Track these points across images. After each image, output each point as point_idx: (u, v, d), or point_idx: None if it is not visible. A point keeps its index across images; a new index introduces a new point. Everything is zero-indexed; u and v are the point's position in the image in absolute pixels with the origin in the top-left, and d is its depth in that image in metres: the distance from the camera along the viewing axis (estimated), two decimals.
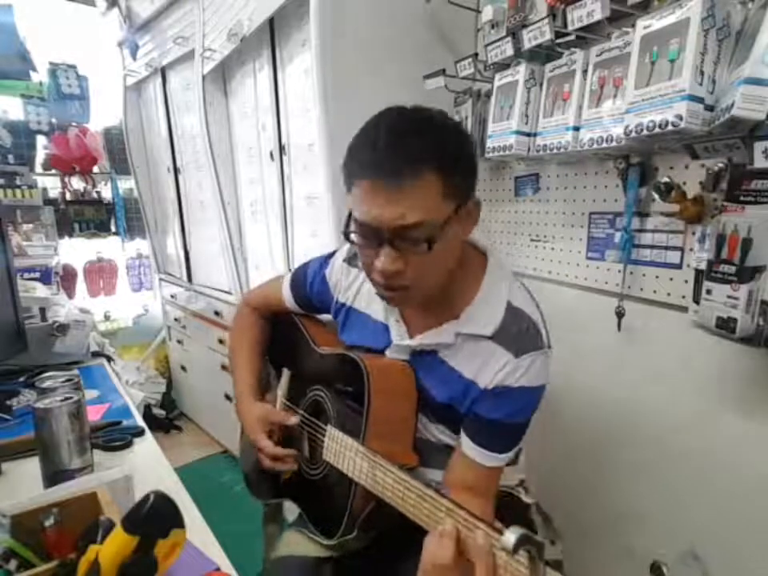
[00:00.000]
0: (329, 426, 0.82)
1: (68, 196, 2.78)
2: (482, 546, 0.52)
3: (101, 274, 2.97)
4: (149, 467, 0.92)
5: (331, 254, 0.96)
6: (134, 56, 2.46)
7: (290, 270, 1.04)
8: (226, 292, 2.26)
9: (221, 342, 2.33)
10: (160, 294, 3.03)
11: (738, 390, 0.97)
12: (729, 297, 0.81)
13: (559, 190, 1.30)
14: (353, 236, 0.71)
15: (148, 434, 1.06)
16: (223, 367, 2.35)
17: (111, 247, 2.99)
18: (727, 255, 0.82)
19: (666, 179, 0.99)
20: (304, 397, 0.92)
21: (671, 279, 1.06)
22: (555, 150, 1.11)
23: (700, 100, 0.82)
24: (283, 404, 0.95)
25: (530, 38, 1.10)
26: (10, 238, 1.50)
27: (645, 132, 0.88)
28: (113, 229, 2.95)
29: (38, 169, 2.71)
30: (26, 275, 2.13)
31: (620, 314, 1.14)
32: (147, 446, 1.02)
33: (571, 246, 1.28)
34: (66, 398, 0.80)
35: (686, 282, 1.02)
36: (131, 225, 3.03)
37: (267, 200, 1.94)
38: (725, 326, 0.82)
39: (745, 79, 0.74)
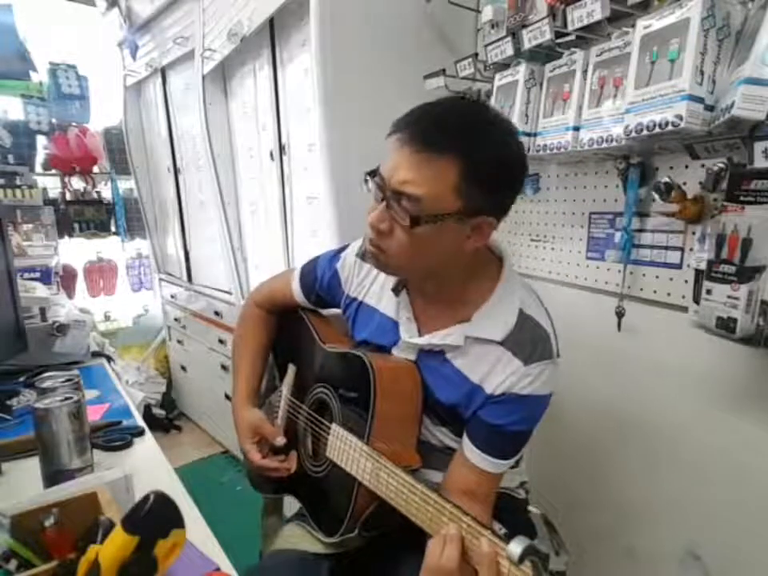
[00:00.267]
0: (333, 424, 0.82)
1: (68, 196, 2.78)
2: (486, 554, 0.52)
3: (101, 274, 2.97)
4: (149, 467, 0.92)
5: (342, 249, 0.96)
6: (133, 56, 2.46)
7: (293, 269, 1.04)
8: (226, 292, 2.26)
9: (221, 341, 2.33)
10: (160, 293, 3.03)
11: (738, 390, 0.97)
12: (729, 297, 0.81)
13: (559, 190, 1.30)
14: (370, 183, 0.72)
15: (148, 433, 1.06)
16: (223, 367, 2.35)
17: (111, 247, 2.99)
18: (727, 255, 0.82)
19: (666, 179, 0.99)
20: (309, 393, 0.92)
21: (671, 279, 1.06)
22: (555, 150, 1.11)
23: (700, 100, 0.82)
24: (288, 400, 0.95)
25: (530, 38, 1.10)
26: (10, 238, 1.49)
27: (645, 132, 0.88)
28: (113, 229, 2.96)
29: (38, 169, 2.71)
30: (26, 275, 2.12)
31: (620, 314, 1.14)
32: (147, 445, 1.02)
33: (571, 246, 1.28)
34: (66, 398, 0.80)
35: (686, 282, 1.02)
36: (131, 225, 3.03)
37: (267, 200, 1.94)
38: (725, 326, 0.82)
39: (745, 79, 0.74)
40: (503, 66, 1.23)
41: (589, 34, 1.05)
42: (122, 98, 2.74)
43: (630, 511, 1.20)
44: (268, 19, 1.58)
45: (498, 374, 0.75)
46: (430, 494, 0.62)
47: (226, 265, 2.17)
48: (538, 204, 1.36)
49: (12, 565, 0.58)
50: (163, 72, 2.42)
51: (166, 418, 2.81)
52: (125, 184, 2.97)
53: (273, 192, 1.86)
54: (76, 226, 2.80)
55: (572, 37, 1.07)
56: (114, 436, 1.02)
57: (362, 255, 0.91)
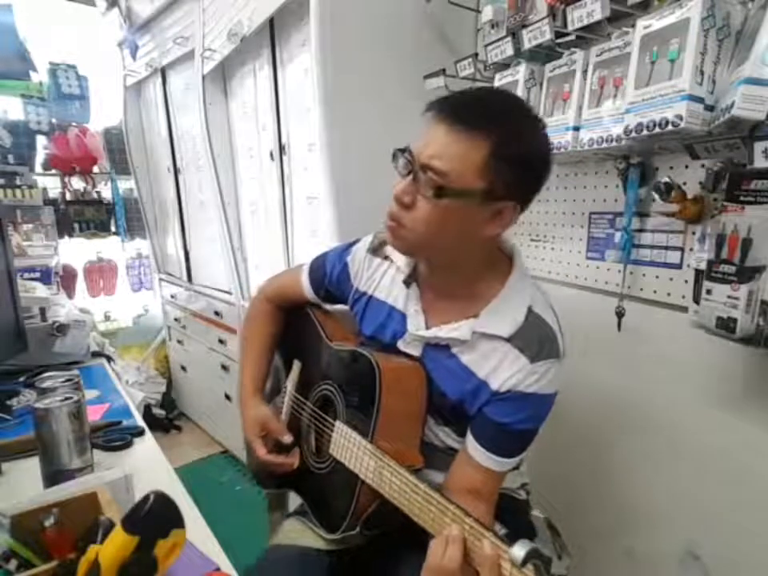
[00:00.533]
0: (337, 421, 0.82)
1: (68, 196, 2.78)
2: (488, 556, 0.52)
3: (101, 274, 2.97)
4: (149, 467, 0.92)
5: (352, 243, 0.97)
6: (133, 56, 2.46)
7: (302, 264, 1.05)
8: (226, 292, 2.26)
9: (221, 341, 2.33)
10: (160, 293, 3.03)
11: (737, 390, 0.97)
12: (729, 297, 0.81)
13: (559, 190, 1.30)
14: (400, 159, 0.73)
15: (148, 433, 1.06)
16: (223, 367, 2.35)
17: (111, 247, 2.99)
18: (727, 255, 0.82)
19: (666, 179, 0.99)
20: (313, 390, 0.92)
21: (671, 279, 1.06)
22: (555, 150, 1.11)
23: (700, 100, 0.82)
24: (292, 396, 0.95)
25: (530, 38, 1.10)
26: (10, 238, 1.49)
27: (645, 132, 0.88)
28: (113, 229, 2.96)
29: (38, 169, 2.71)
30: (26, 275, 2.12)
31: (620, 314, 1.14)
32: (147, 445, 1.02)
33: (571, 246, 1.28)
34: (66, 398, 0.80)
35: (686, 282, 1.02)
36: (131, 225, 3.03)
37: (267, 200, 1.94)
38: (725, 326, 0.82)
39: (745, 79, 0.74)
40: (503, 66, 1.23)
41: (589, 34, 1.05)
42: (122, 98, 2.74)
43: (629, 511, 1.20)
44: (268, 19, 1.58)
45: (504, 370, 0.75)
46: (433, 494, 0.62)
47: (226, 265, 2.17)
48: (538, 204, 1.35)
49: (12, 565, 0.58)
50: (163, 72, 2.42)
51: (166, 417, 2.81)
52: (125, 184, 2.97)
53: (273, 192, 1.86)
54: (76, 226, 2.80)
55: (572, 37, 1.07)
56: (114, 436, 1.02)
57: (372, 250, 0.92)
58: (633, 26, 0.93)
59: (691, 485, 1.07)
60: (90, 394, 1.21)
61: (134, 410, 1.18)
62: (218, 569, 0.67)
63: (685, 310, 1.01)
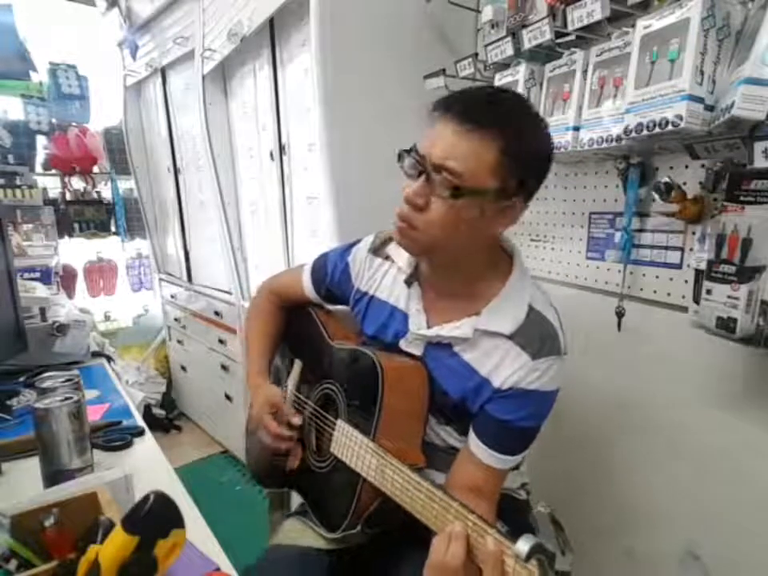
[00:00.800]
0: (339, 420, 0.82)
1: (68, 196, 2.78)
2: (492, 553, 0.52)
3: (101, 274, 2.97)
4: (149, 467, 0.92)
5: (353, 244, 0.97)
6: (133, 56, 2.46)
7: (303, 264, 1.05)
8: (226, 292, 2.26)
9: (221, 341, 2.33)
10: (160, 293, 3.03)
11: (737, 390, 0.97)
12: (729, 297, 0.81)
13: (559, 190, 1.30)
14: (406, 159, 0.72)
15: (148, 433, 1.06)
16: (223, 367, 2.35)
17: (111, 247, 2.99)
18: (727, 255, 0.82)
19: (666, 179, 0.99)
20: (315, 389, 0.92)
21: (671, 279, 1.06)
22: (555, 150, 1.11)
23: (700, 100, 0.82)
24: (293, 395, 0.95)
25: (530, 38, 1.10)
26: (10, 238, 1.49)
27: (645, 132, 0.88)
28: (113, 229, 2.96)
29: (38, 169, 2.71)
30: (26, 275, 2.12)
31: (620, 314, 1.14)
32: (147, 445, 1.02)
33: (571, 246, 1.28)
34: (66, 398, 0.80)
35: (686, 282, 1.02)
36: (131, 225, 3.03)
37: (267, 200, 1.94)
38: (725, 326, 0.82)
39: (745, 79, 0.74)
40: (503, 66, 1.24)
41: (589, 34, 1.05)
42: (122, 98, 2.74)
43: (629, 511, 1.20)
44: (268, 19, 1.58)
45: (505, 367, 0.76)
46: (436, 491, 0.62)
47: (226, 265, 2.17)
48: (538, 204, 1.35)
49: (12, 565, 0.58)
50: (163, 72, 2.42)
51: (166, 417, 2.81)
52: (125, 184, 2.97)
53: (273, 192, 1.86)
54: (76, 226, 2.80)
55: (572, 37, 1.07)
56: (114, 436, 1.01)
57: (373, 250, 0.92)
58: (633, 25, 0.93)
59: (691, 485, 1.07)
60: (90, 393, 1.21)
61: (134, 410, 1.18)
62: (217, 569, 0.67)
63: (685, 310, 1.01)
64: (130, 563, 0.52)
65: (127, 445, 1.00)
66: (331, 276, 0.97)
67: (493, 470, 0.77)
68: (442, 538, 0.57)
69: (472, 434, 0.79)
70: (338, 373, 0.88)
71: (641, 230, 1.11)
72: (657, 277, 1.09)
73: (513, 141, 0.68)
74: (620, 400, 1.19)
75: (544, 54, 1.17)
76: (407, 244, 0.77)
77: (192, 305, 2.58)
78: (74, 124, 2.73)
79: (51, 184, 2.76)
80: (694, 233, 1.00)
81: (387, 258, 0.90)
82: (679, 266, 1.04)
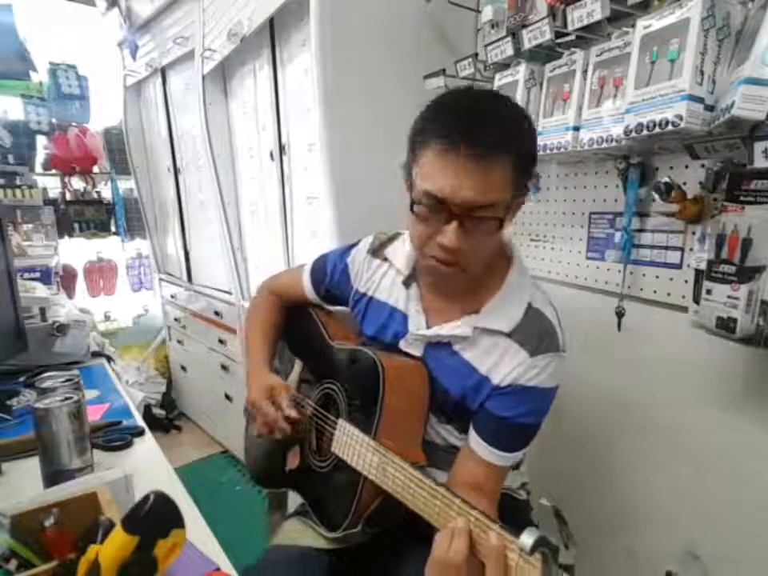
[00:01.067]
0: (340, 419, 0.82)
1: (68, 196, 2.78)
2: (495, 547, 0.52)
3: (101, 274, 2.97)
4: (149, 467, 0.92)
5: (353, 245, 0.97)
6: (133, 56, 2.46)
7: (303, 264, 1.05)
8: (226, 292, 2.26)
9: (221, 341, 2.33)
10: (160, 293, 3.03)
11: (737, 390, 0.97)
12: (729, 297, 0.81)
13: (559, 190, 1.30)
14: (416, 208, 0.70)
15: (148, 433, 1.06)
16: (223, 367, 2.35)
17: (111, 247, 2.99)
18: (727, 255, 0.82)
19: (666, 179, 0.99)
20: (315, 389, 0.92)
21: (671, 279, 1.06)
22: (555, 150, 1.11)
23: (700, 100, 0.82)
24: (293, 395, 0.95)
25: (530, 38, 1.10)
26: (10, 238, 1.49)
27: (645, 132, 0.88)
28: (113, 229, 2.96)
29: (38, 169, 2.71)
30: (26, 275, 2.12)
31: (620, 314, 1.14)
32: (147, 445, 1.02)
33: (571, 246, 1.28)
34: (66, 398, 0.80)
35: (686, 282, 1.02)
36: (131, 225, 3.03)
37: (267, 200, 1.94)
38: (725, 326, 0.82)
39: (745, 79, 0.74)
40: (503, 66, 1.23)
41: (589, 34, 1.05)
42: (122, 98, 2.74)
43: (629, 511, 1.20)
44: (268, 19, 1.57)
45: (504, 365, 0.76)
46: (438, 488, 0.62)
47: (226, 265, 2.17)
48: (538, 204, 1.36)
49: (12, 565, 0.58)
50: (163, 72, 2.42)
51: (166, 417, 2.81)
52: (125, 184, 2.97)
53: (273, 192, 1.86)
54: (76, 226, 2.80)
55: (572, 37, 1.07)
56: (114, 436, 1.02)
57: (372, 251, 0.93)
58: (633, 25, 0.93)
59: (691, 485, 1.07)
60: (90, 393, 1.21)
61: (134, 410, 1.18)
62: (218, 569, 0.67)
63: (685, 310, 1.01)
64: (130, 563, 0.52)
65: (127, 445, 1.00)
66: (331, 277, 0.97)
67: (493, 467, 0.77)
68: (444, 534, 0.57)
69: (472, 432, 0.79)
70: (339, 372, 0.88)
71: (641, 230, 1.11)
72: (657, 277, 1.09)
73: (522, 152, 0.69)
74: (620, 400, 1.19)
75: (544, 54, 1.17)
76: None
77: (192, 305, 2.58)
78: (74, 124, 2.73)
79: (51, 184, 2.76)
80: (693, 233, 1.00)
81: (385, 259, 0.91)
82: (679, 266, 1.04)
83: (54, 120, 2.69)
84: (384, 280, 0.90)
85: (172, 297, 2.84)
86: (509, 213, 0.72)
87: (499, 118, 0.69)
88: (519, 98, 1.17)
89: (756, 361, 0.91)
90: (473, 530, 0.55)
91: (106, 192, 2.92)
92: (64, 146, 2.67)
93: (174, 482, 0.88)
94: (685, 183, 1.00)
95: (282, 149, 1.77)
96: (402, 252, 0.88)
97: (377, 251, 0.92)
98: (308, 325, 1.00)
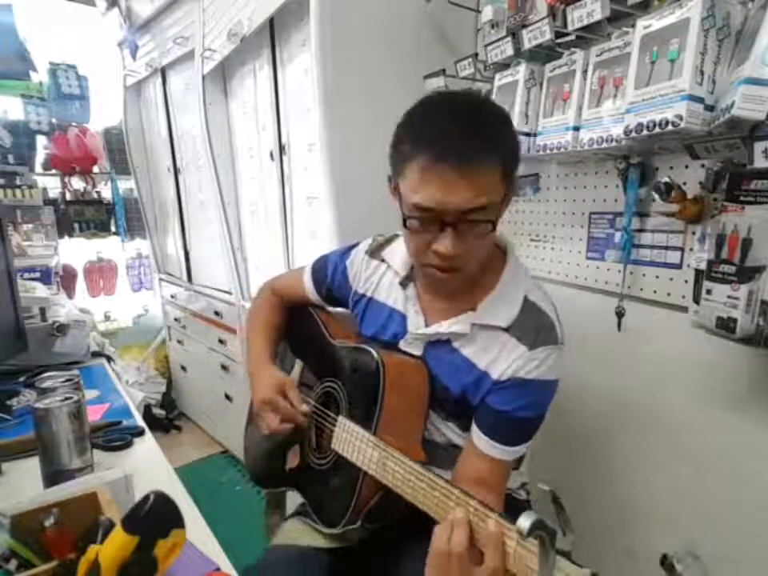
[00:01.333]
0: (340, 416, 0.82)
1: (68, 196, 2.78)
2: (493, 534, 0.52)
3: (101, 274, 2.97)
4: (149, 467, 0.92)
5: (353, 246, 0.98)
6: (133, 56, 2.46)
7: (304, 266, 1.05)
8: (226, 292, 2.26)
9: (221, 341, 2.33)
10: (160, 293, 3.03)
11: (737, 390, 0.97)
12: (729, 297, 0.81)
13: (559, 190, 1.30)
14: (409, 222, 0.71)
15: (148, 433, 1.06)
16: (223, 367, 2.35)
17: (111, 247, 2.99)
18: (727, 255, 0.82)
19: (666, 179, 0.99)
20: (316, 388, 0.93)
21: (671, 279, 1.06)
22: (555, 150, 1.11)
23: (700, 100, 0.82)
24: None
25: (530, 38, 1.10)
26: (10, 238, 1.49)
27: (645, 132, 0.88)
28: (113, 229, 2.96)
29: (38, 169, 2.71)
30: (26, 275, 2.12)
31: (620, 314, 1.14)
32: (147, 445, 1.02)
33: (571, 246, 1.28)
34: (66, 398, 0.80)
35: (686, 282, 1.02)
36: (131, 225, 3.03)
37: (267, 200, 1.94)
38: (725, 326, 0.82)
39: (745, 79, 0.74)
40: (503, 66, 1.23)
41: (589, 34, 1.05)
42: (122, 98, 2.74)
43: (629, 511, 1.20)
44: (268, 19, 1.57)
45: (503, 359, 0.77)
46: (437, 480, 0.62)
47: (226, 265, 2.17)
48: (538, 204, 1.36)
49: (12, 565, 0.58)
50: (163, 72, 2.42)
51: (166, 417, 2.81)
52: (125, 184, 2.97)
53: (273, 192, 1.86)
54: (76, 226, 2.80)
55: (572, 37, 1.07)
56: (114, 436, 1.02)
57: (370, 252, 0.93)
58: (633, 25, 0.93)
59: (691, 485, 1.07)
60: (90, 393, 1.21)
61: (134, 410, 1.18)
62: (217, 569, 0.67)
63: (685, 310, 1.01)
64: (130, 563, 0.52)
65: (127, 445, 1.00)
66: (331, 277, 0.98)
67: (497, 462, 0.77)
68: (444, 526, 0.57)
69: (474, 426, 0.80)
70: (340, 370, 0.88)
71: (641, 230, 1.11)
72: (657, 277, 1.09)
73: (508, 152, 0.70)
74: (620, 400, 1.19)
75: (544, 54, 1.17)
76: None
77: (192, 305, 2.58)
78: (74, 124, 2.73)
79: (51, 184, 2.76)
80: (694, 233, 1.00)
81: (383, 260, 0.91)
82: (679, 266, 1.04)
83: (53, 120, 2.69)
84: (383, 281, 0.91)
85: (172, 297, 2.84)
86: (500, 212, 0.73)
87: (481, 123, 0.69)
88: (519, 98, 1.17)
89: (756, 361, 0.91)
90: (472, 520, 0.55)
91: (106, 192, 2.92)
92: (64, 146, 2.67)
93: (174, 482, 0.88)
94: (685, 183, 1.00)
95: (281, 149, 1.77)
96: (399, 253, 0.88)
97: (375, 252, 0.93)
98: (309, 324, 1.01)
